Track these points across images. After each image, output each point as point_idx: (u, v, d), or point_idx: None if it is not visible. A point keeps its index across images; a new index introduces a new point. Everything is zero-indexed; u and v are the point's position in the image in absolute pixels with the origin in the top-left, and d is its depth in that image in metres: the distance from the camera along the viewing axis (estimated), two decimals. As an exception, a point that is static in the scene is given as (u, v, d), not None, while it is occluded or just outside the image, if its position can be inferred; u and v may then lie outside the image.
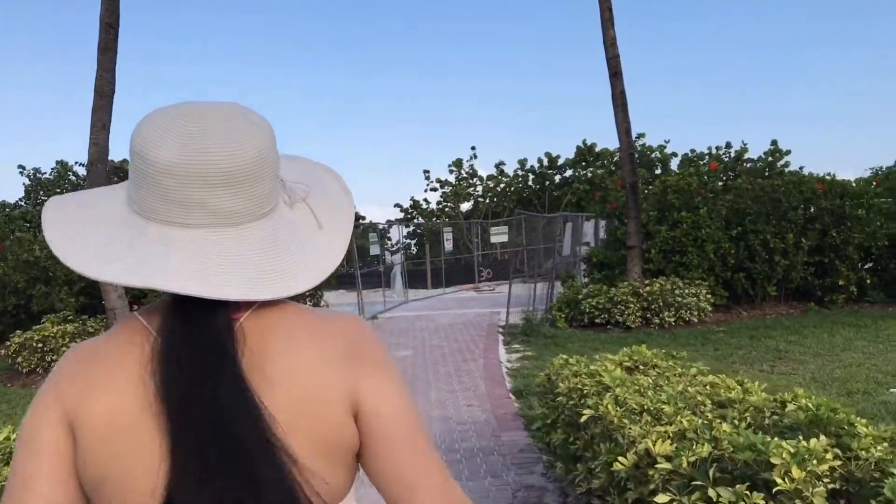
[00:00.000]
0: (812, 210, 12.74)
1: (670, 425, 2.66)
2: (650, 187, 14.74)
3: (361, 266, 20.98)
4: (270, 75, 60.93)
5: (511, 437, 5.44)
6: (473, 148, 27.21)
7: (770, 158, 24.69)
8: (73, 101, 58.62)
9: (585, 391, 3.37)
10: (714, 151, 25.68)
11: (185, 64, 60.45)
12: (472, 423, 5.93)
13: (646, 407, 2.85)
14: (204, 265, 0.88)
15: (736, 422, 2.65)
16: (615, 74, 12.91)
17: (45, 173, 27.27)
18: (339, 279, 17.01)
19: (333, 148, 58.05)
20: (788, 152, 25.25)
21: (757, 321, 11.75)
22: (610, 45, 12.85)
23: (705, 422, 2.64)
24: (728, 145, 25.85)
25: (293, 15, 60.36)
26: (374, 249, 17.10)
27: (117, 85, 10.67)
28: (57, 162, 26.77)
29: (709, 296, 12.06)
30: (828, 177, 13.20)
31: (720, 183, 13.53)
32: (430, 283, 21.88)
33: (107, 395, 0.87)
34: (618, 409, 2.98)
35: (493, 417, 6.10)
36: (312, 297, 13.30)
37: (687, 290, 11.82)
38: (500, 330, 12.13)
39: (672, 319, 11.58)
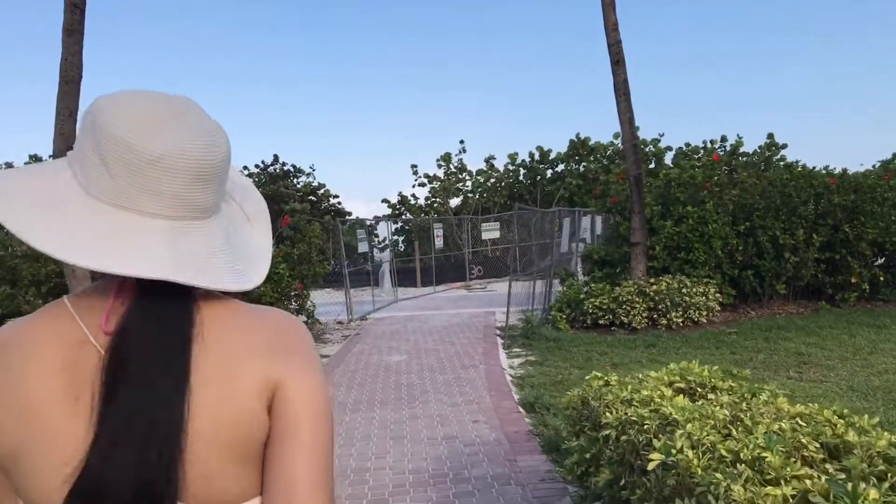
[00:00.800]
0: (823, 205, 12.15)
1: (785, 484, 1.98)
2: (649, 180, 14.08)
3: (349, 264, 20.27)
4: (248, 66, 59.71)
5: (528, 463, 4.76)
6: (462, 142, 26.53)
7: (767, 153, 24.21)
8: (42, 88, 57.11)
9: (646, 426, 2.69)
10: (709, 145, 25.17)
11: (157, 49, 58.88)
12: (482, 445, 5.25)
13: (741, 455, 2.17)
14: (187, 256, 0.89)
15: (874, 481, 1.98)
16: (617, 62, 12.24)
17: (18, 169, 26.20)
18: (326, 278, 16.28)
19: (317, 141, 57.08)
20: (785, 146, 24.82)
21: (768, 321, 11.15)
22: (612, 30, 12.19)
23: (829, 477, 1.97)
24: (723, 139, 25.34)
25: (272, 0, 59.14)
26: (363, 247, 16.32)
27: (85, 70, 9.91)
28: (30, 156, 25.74)
29: (717, 294, 11.46)
30: (839, 170, 12.64)
31: (716, 177, 12.85)
32: (420, 282, 21.17)
33: (21, 380, 0.86)
34: (698, 454, 2.30)
35: (504, 437, 5.42)
36: (299, 297, 12.56)
37: (695, 289, 11.21)
38: (498, 332, 11.45)
39: (680, 320, 10.97)
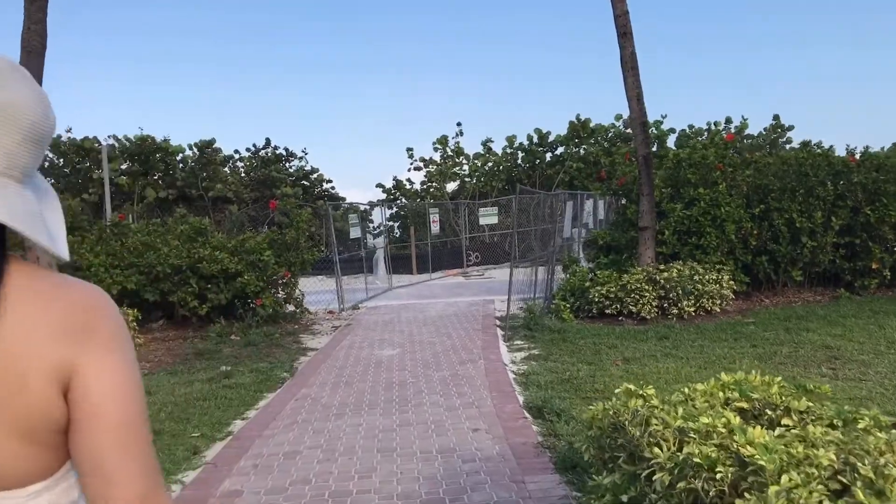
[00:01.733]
0: (842, 185, 11.42)
1: None
2: (657, 161, 13.31)
3: (341, 251, 19.50)
4: (240, 48, 58.37)
5: (539, 486, 4.03)
6: (459, 124, 25.50)
7: (773, 135, 23.46)
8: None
9: (718, 474, 1.96)
10: (713, 127, 24.40)
11: (146, 31, 57.31)
12: (484, 460, 4.52)
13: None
14: (16, 209, 0.87)
15: None
16: (624, 34, 11.44)
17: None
18: (318, 265, 15.54)
19: (311, 126, 56.03)
20: (791, 128, 24.07)
21: (786, 310, 10.44)
22: (618, 0, 11.39)
23: None
24: (728, 120, 24.56)
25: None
26: (355, 232, 15.53)
27: (50, 40, 9.12)
28: None
29: (731, 282, 10.74)
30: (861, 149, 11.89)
31: (728, 157, 12.02)
32: (416, 269, 20.42)
33: None
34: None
35: (509, 450, 4.69)
36: (287, 285, 11.80)
37: (707, 276, 10.50)
38: (498, 323, 10.73)
39: (692, 309, 10.26)
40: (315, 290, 14.30)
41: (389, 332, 10.25)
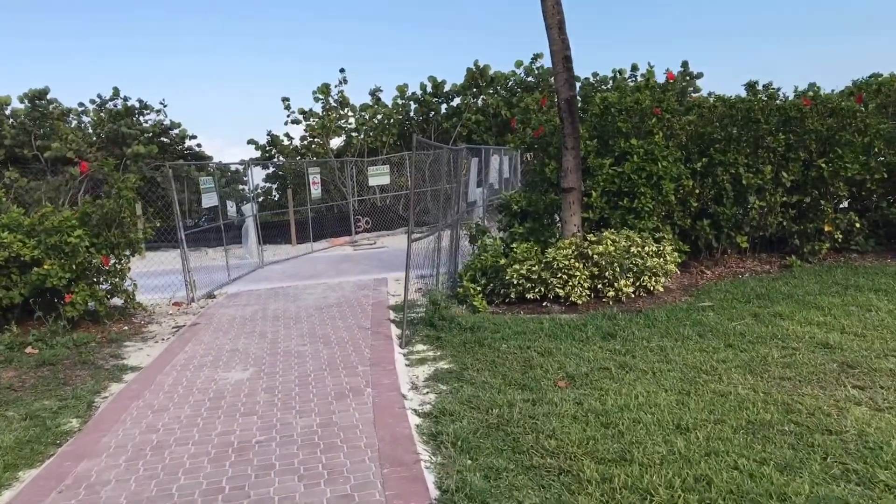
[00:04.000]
0: (794, 133, 9.66)
1: None
2: (584, 106, 11.15)
3: (200, 219, 16.51)
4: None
5: None
6: (343, 71, 22.47)
7: (682, 83, 21.99)
8: None
9: None
10: (618, 76, 22.65)
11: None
12: None
13: None
14: None
15: None
16: (541, -54, 9.08)
17: None
18: (169, 237, 12.57)
19: (168, 74, 50.82)
20: (700, 75, 22.67)
21: (738, 286, 8.61)
22: None
23: None
24: (634, 68, 22.87)
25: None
26: (209, 199, 12.43)
27: None
28: None
29: (675, 254, 8.82)
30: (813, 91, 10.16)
31: (667, 102, 10.02)
32: (295, 238, 17.66)
33: None
34: None
35: None
36: (110, 274, 8.88)
37: (647, 248, 8.51)
38: (392, 316, 8.34)
39: (630, 290, 8.27)
40: (164, 271, 11.41)
41: (246, 337, 7.66)
